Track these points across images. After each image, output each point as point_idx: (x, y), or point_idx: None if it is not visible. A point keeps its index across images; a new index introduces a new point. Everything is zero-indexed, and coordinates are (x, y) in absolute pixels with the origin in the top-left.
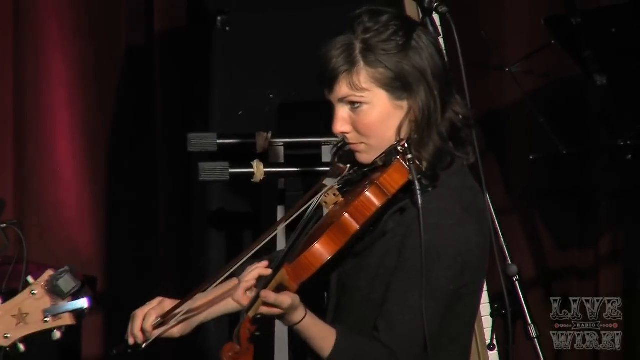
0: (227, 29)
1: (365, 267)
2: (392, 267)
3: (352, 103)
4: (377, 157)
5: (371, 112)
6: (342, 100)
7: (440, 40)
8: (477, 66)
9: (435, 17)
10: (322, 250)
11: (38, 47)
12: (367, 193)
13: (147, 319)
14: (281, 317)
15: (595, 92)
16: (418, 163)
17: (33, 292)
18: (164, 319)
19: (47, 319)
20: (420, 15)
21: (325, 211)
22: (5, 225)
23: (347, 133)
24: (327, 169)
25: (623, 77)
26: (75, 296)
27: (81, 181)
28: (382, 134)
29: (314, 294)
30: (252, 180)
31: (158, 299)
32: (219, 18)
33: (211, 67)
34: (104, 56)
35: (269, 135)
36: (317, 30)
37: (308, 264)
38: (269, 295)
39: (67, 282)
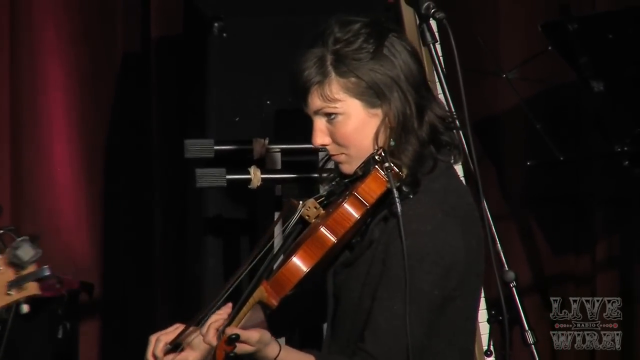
0: (224, 34)
1: (356, 277)
2: (377, 275)
3: (328, 114)
4: (358, 167)
5: (346, 122)
6: (317, 112)
7: (437, 46)
8: (474, 72)
9: (432, 23)
10: (299, 264)
11: (34, 52)
12: (344, 205)
13: (157, 344)
14: (256, 353)
15: (592, 98)
16: (397, 170)
17: None
18: (172, 344)
19: (10, 292)
20: (418, 22)
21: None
22: (1, 231)
23: (326, 145)
24: (324, 175)
25: (619, 83)
26: (38, 265)
27: (78, 187)
28: (359, 143)
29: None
30: (249, 187)
31: (175, 325)
32: (215, 24)
33: (208, 73)
34: (101, 62)
35: (266, 141)
36: (309, 41)
37: (286, 280)
38: (234, 331)
39: (26, 251)
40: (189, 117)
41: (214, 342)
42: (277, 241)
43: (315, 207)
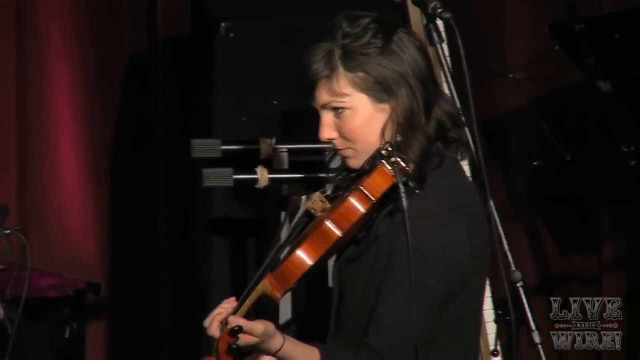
0: (231, 35)
1: (361, 272)
2: (382, 270)
3: (335, 109)
4: (364, 162)
5: (354, 117)
6: (325, 106)
7: (444, 46)
8: (480, 72)
9: (439, 23)
10: (303, 258)
11: (41, 53)
12: (350, 199)
13: None
14: (259, 345)
15: (598, 99)
16: (403, 165)
17: None
18: None
19: None
20: (424, 22)
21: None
22: (9, 231)
23: (333, 139)
24: (331, 174)
25: (626, 83)
26: None
27: (84, 187)
28: (366, 138)
29: (320, 300)
30: (256, 187)
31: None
32: (222, 24)
33: (214, 73)
34: (107, 62)
35: (273, 141)
36: (317, 36)
37: (289, 273)
38: (238, 321)
39: None
40: (196, 117)
41: (217, 334)
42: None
43: (321, 201)
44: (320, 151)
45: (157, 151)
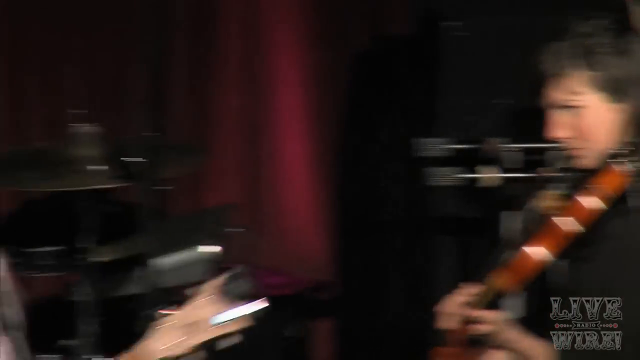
0: (457, 33)
1: (590, 272)
2: (614, 271)
3: (568, 107)
4: (597, 161)
5: (586, 116)
6: (557, 105)
7: None
8: None
9: None
10: (539, 254)
11: (270, 52)
12: (582, 198)
13: None
14: (495, 335)
15: None
16: (636, 167)
17: (206, 297)
18: None
19: (218, 323)
20: None
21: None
22: (238, 230)
23: (564, 138)
24: (558, 174)
25: None
26: (249, 299)
27: (313, 185)
28: (598, 137)
29: (545, 302)
30: (480, 186)
31: None
32: (446, 24)
33: (439, 72)
34: (335, 61)
35: (499, 140)
36: (550, 35)
37: (525, 269)
38: (473, 312)
39: (241, 285)
40: (421, 115)
41: (452, 326)
42: (516, 230)
43: (554, 199)
44: (546, 151)
45: (383, 150)
